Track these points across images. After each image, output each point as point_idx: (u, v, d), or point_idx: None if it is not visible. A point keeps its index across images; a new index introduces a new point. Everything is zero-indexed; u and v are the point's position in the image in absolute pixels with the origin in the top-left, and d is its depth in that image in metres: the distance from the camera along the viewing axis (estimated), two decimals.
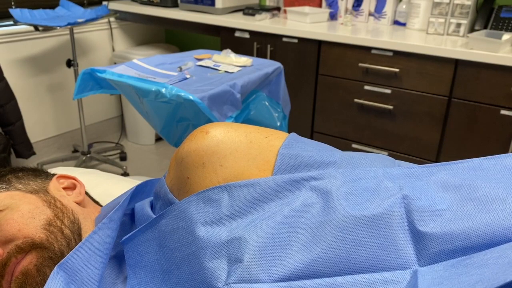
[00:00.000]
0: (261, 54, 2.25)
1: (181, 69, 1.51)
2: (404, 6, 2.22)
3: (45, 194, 0.71)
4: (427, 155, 1.98)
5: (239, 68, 1.53)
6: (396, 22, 2.27)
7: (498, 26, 1.97)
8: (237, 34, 2.31)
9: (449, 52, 1.78)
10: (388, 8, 2.24)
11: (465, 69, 1.79)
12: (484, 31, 1.89)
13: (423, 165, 0.56)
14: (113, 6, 2.76)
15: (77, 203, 0.74)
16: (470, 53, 1.74)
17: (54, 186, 0.74)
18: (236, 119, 1.42)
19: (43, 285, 0.58)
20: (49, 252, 0.63)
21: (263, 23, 2.22)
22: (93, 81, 1.52)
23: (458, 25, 2.00)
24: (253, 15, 2.37)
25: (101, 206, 0.80)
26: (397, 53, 1.90)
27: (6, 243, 0.63)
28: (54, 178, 0.77)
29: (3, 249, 0.63)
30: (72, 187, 0.78)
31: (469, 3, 1.97)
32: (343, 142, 2.17)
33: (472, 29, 2.03)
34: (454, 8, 2.00)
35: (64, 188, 0.76)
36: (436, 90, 1.87)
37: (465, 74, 1.80)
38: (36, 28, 2.24)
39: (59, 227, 0.66)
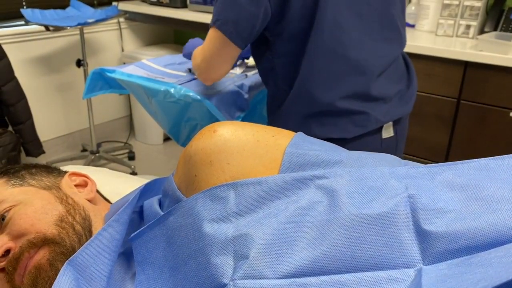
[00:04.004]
0: None
1: (190, 71, 1.52)
2: (413, 8, 2.21)
3: (57, 191, 0.72)
4: (436, 157, 1.98)
5: (255, 71, 1.53)
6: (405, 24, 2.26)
7: (508, 28, 1.96)
8: None
9: (458, 54, 1.77)
10: None
11: (474, 71, 1.78)
12: (494, 33, 1.88)
13: (429, 164, 0.56)
14: (122, 6, 2.78)
15: (88, 200, 0.75)
16: (479, 55, 1.73)
17: (66, 183, 0.76)
18: (244, 120, 1.42)
19: (55, 279, 0.59)
20: (61, 247, 0.64)
21: None
22: (103, 81, 1.53)
23: (468, 26, 2.00)
24: None
25: (111, 203, 0.81)
26: None
27: (19, 237, 0.64)
28: (66, 175, 0.78)
29: (16, 243, 0.64)
30: (83, 185, 0.79)
31: (479, 4, 1.96)
32: None
33: (481, 31, 2.03)
34: (463, 10, 1.99)
35: (75, 185, 0.77)
36: (445, 92, 1.86)
37: (474, 76, 1.79)
38: (47, 28, 2.27)
39: (70, 223, 0.67)
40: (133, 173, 2.55)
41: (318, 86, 1.04)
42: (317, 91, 1.04)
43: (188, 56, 1.39)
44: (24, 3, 2.56)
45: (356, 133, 1.08)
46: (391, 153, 1.09)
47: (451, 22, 2.02)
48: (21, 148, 2.27)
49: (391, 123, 1.13)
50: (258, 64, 1.17)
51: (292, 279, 0.48)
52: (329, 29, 1.00)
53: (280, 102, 1.13)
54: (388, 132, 1.13)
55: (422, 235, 0.48)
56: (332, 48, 1.02)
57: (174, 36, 3.32)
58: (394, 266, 0.47)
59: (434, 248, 0.47)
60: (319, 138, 1.05)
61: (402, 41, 1.14)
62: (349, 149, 1.07)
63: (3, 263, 0.64)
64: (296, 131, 1.08)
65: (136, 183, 1.02)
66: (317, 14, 0.99)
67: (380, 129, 1.12)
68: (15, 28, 2.44)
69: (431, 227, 0.48)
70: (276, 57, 1.08)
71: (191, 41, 1.42)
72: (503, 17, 1.99)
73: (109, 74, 1.45)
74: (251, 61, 1.63)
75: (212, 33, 1.07)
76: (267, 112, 1.23)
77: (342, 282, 0.47)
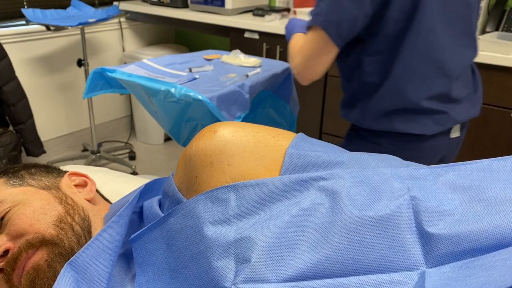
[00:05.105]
0: (271, 55, 2.26)
1: (190, 70, 1.52)
2: None
3: (57, 191, 0.72)
4: None
5: (255, 71, 1.52)
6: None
7: (510, 28, 1.95)
8: (246, 34, 2.32)
9: None
10: None
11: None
12: (496, 33, 1.87)
13: (431, 165, 0.56)
14: (123, 6, 2.78)
15: (87, 200, 0.75)
16: (481, 55, 1.73)
17: (65, 183, 0.75)
18: (245, 119, 1.42)
19: (54, 281, 0.59)
20: (60, 248, 0.64)
21: (272, 24, 2.22)
22: (103, 81, 1.53)
23: None
24: (262, 16, 2.38)
25: (111, 203, 0.81)
26: None
27: (18, 237, 0.64)
28: (66, 175, 0.78)
29: (14, 243, 0.64)
30: (83, 185, 0.79)
31: (480, 4, 1.95)
32: None
33: (483, 31, 2.02)
34: None
35: (75, 185, 0.77)
36: None
37: None
38: (47, 27, 2.26)
39: (69, 223, 0.67)
40: (134, 173, 2.54)
41: (409, 85, 1.11)
42: (408, 90, 1.11)
43: (288, 34, 1.40)
44: (25, 3, 2.56)
45: (435, 131, 1.15)
46: (453, 152, 1.24)
47: None
48: (22, 148, 2.27)
49: (459, 124, 1.20)
50: (342, 61, 1.20)
51: (294, 283, 0.47)
52: (424, 33, 1.06)
53: (362, 97, 1.18)
54: (455, 132, 1.21)
55: (425, 238, 0.47)
56: (425, 51, 1.08)
57: (175, 36, 3.32)
58: (397, 269, 0.47)
59: (437, 250, 0.46)
60: (401, 133, 1.14)
61: (476, 47, 1.20)
62: (426, 146, 1.17)
63: (1, 264, 0.63)
64: (376, 125, 1.15)
65: (136, 182, 1.02)
66: (415, 19, 1.05)
67: (450, 129, 1.19)
68: (16, 28, 2.43)
69: (434, 229, 0.47)
70: (365, 55, 1.13)
71: (293, 20, 1.41)
72: (505, 17, 1.98)
73: (109, 74, 1.44)
74: (250, 61, 1.62)
75: (312, 34, 1.11)
76: (342, 104, 1.27)
77: (344, 285, 0.46)
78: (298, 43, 1.19)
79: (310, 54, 1.12)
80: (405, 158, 1.18)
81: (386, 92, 1.13)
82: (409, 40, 1.07)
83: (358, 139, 1.24)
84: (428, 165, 0.56)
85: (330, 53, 1.11)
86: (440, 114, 1.14)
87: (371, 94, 1.15)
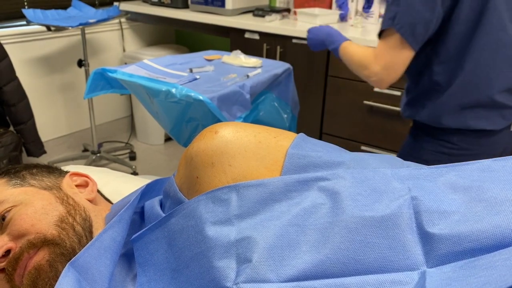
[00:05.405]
0: (271, 55, 2.26)
1: (191, 71, 1.52)
2: None
3: (58, 191, 0.72)
4: None
5: (256, 71, 1.52)
6: None
7: None
8: (247, 35, 2.32)
9: None
10: None
11: None
12: None
13: (432, 166, 0.56)
14: (124, 6, 2.78)
15: (89, 200, 0.75)
16: None
17: (67, 183, 0.75)
18: (245, 120, 1.42)
19: (55, 281, 0.59)
20: (61, 248, 0.64)
21: (273, 24, 2.22)
22: (104, 81, 1.53)
23: None
24: (263, 16, 2.38)
25: (112, 204, 0.81)
26: None
27: (19, 237, 0.64)
28: (67, 176, 0.78)
29: (16, 243, 0.64)
30: (84, 185, 0.79)
31: None
32: (352, 144, 2.17)
33: None
34: None
35: (76, 186, 0.77)
36: None
37: None
38: (48, 28, 2.27)
39: (71, 224, 0.67)
40: (134, 173, 2.55)
41: (483, 80, 1.15)
42: (482, 85, 1.15)
43: (317, 44, 1.39)
44: (25, 3, 2.56)
45: (503, 126, 1.20)
46: (511, 145, 1.31)
47: None
48: (23, 148, 2.27)
49: None
50: (410, 62, 1.23)
51: (295, 283, 0.48)
52: (494, 30, 1.11)
53: (431, 96, 1.21)
54: None
55: (426, 238, 0.47)
56: (495, 47, 1.12)
57: (175, 36, 3.32)
58: (398, 269, 0.47)
59: (438, 250, 0.46)
60: (474, 129, 1.18)
61: None
62: (493, 140, 1.21)
63: (3, 264, 0.63)
64: (448, 123, 1.18)
65: (137, 183, 1.02)
66: (485, 17, 1.09)
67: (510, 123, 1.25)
68: (17, 28, 2.44)
69: (434, 229, 0.47)
70: (435, 55, 1.16)
71: (320, 31, 1.41)
72: None
73: (110, 74, 1.45)
74: (251, 62, 1.62)
75: (388, 39, 1.15)
76: (407, 105, 1.29)
77: (345, 285, 0.47)
78: (360, 51, 1.23)
79: (390, 59, 1.15)
80: (473, 153, 1.22)
81: (458, 89, 1.16)
82: (480, 37, 1.10)
83: (426, 136, 1.26)
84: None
85: (408, 56, 1.14)
86: (508, 109, 1.19)
87: (442, 92, 1.18)
